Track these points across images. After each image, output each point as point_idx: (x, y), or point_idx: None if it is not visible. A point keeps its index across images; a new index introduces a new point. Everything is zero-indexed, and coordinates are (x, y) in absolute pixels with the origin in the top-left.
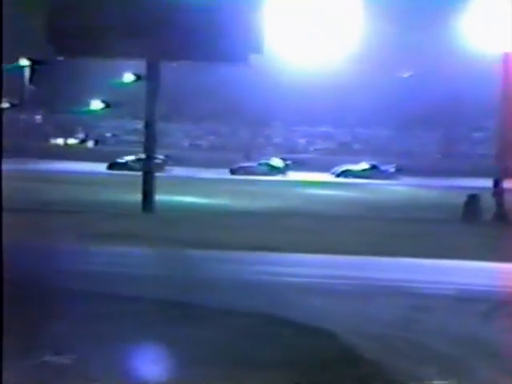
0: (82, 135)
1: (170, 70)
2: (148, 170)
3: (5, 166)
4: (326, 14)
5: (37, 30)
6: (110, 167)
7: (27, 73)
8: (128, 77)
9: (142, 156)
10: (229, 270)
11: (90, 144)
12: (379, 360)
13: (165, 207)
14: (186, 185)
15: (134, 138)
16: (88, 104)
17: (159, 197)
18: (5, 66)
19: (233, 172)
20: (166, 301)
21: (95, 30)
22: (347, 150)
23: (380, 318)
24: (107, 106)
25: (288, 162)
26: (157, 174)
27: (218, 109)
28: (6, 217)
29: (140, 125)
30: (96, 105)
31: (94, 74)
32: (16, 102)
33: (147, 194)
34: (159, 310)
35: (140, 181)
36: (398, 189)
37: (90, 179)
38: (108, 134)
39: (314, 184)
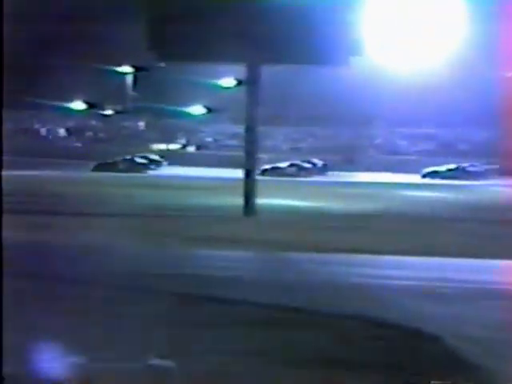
0: (183, 140)
1: (270, 74)
2: (249, 173)
3: (111, 173)
4: (425, 15)
5: (139, 37)
6: None
7: (130, 80)
8: (229, 81)
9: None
10: (329, 272)
11: (192, 149)
12: (484, 364)
13: (266, 210)
14: (285, 188)
15: (235, 142)
16: (189, 109)
17: (260, 200)
18: (108, 72)
19: (262, 173)
20: (268, 304)
21: (196, 36)
22: (448, 151)
23: (481, 321)
24: (209, 110)
25: (325, 163)
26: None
27: (318, 111)
28: (112, 221)
29: (241, 129)
30: (197, 110)
31: (194, 80)
32: (120, 109)
33: (248, 197)
34: (260, 312)
35: (238, 185)
36: (490, 189)
37: (192, 184)
38: (209, 139)
39: (403, 185)
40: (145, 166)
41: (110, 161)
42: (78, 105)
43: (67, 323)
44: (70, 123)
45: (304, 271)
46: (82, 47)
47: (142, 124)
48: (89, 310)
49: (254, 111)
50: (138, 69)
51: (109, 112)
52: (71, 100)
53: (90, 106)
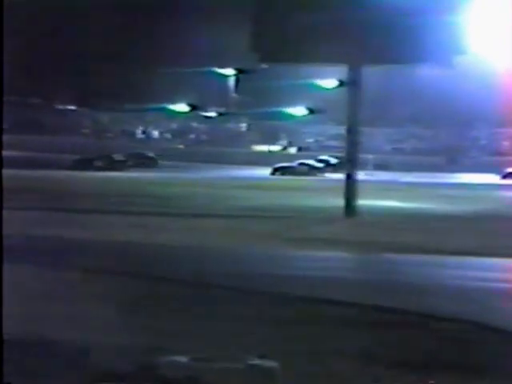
0: (284, 142)
1: (372, 74)
2: (350, 175)
3: (210, 174)
4: None
5: (241, 40)
6: (275, 172)
7: (233, 82)
8: (331, 82)
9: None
10: (432, 274)
11: (293, 150)
12: None
13: (367, 212)
14: (387, 189)
15: (336, 143)
16: (291, 111)
17: (361, 201)
18: (211, 74)
19: (273, 172)
20: (368, 305)
21: (298, 37)
22: None
23: None
24: (310, 112)
25: (339, 161)
26: (358, 179)
27: (419, 112)
28: (211, 222)
29: (342, 130)
30: (299, 111)
31: (296, 81)
32: (222, 111)
33: (350, 198)
34: (360, 314)
35: (333, 186)
36: None
37: (293, 185)
38: (310, 140)
39: (508, 187)
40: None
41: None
42: (182, 107)
43: (171, 322)
44: (174, 125)
45: (406, 272)
46: (184, 50)
47: (243, 125)
48: (191, 309)
49: (355, 112)
50: (240, 71)
51: (211, 114)
52: (175, 102)
53: (193, 108)
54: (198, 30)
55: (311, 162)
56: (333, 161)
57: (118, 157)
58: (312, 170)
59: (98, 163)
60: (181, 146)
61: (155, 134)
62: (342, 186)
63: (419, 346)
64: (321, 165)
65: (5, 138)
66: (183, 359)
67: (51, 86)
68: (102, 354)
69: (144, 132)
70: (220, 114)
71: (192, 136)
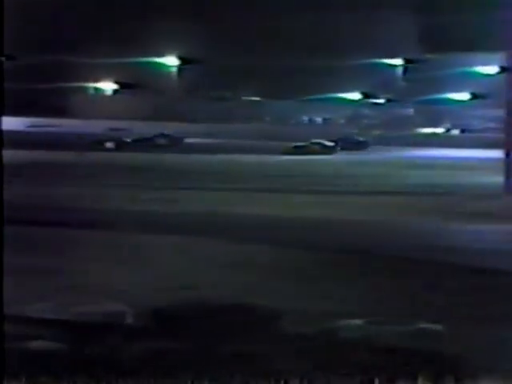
0: (448, 124)
1: None
2: (509, 153)
3: (379, 155)
4: None
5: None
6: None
7: (400, 71)
8: (492, 69)
9: None
10: None
11: (456, 132)
12: None
13: None
14: None
15: (496, 125)
16: (455, 96)
17: None
18: (381, 65)
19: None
20: None
21: (461, 28)
22: None
23: None
24: (473, 97)
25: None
26: None
27: None
28: (383, 199)
29: (502, 113)
30: (462, 96)
31: (459, 68)
32: (390, 97)
33: (508, 175)
34: None
35: (498, 164)
36: None
37: (455, 164)
38: (473, 123)
39: None
40: None
41: None
42: (355, 95)
43: (349, 289)
44: (347, 112)
45: None
46: (356, 43)
47: (410, 111)
48: (368, 278)
49: None
50: (408, 61)
51: (380, 101)
52: (349, 91)
53: (366, 96)
54: (369, 23)
55: (323, 141)
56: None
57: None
58: (323, 148)
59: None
60: (354, 131)
61: (331, 120)
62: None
63: None
64: (331, 144)
65: (198, 127)
66: (359, 322)
67: (241, 80)
68: (290, 318)
69: (325, 119)
70: (388, 101)
71: (364, 121)
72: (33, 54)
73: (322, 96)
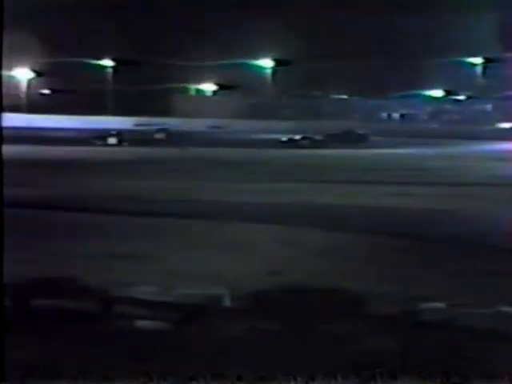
0: None
1: None
2: None
3: (459, 148)
4: None
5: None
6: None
7: (480, 70)
8: None
9: None
10: None
11: None
12: None
13: None
14: None
15: None
16: None
17: None
18: (462, 63)
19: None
20: None
21: None
22: None
23: None
24: None
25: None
26: None
27: None
28: (459, 190)
29: None
30: None
31: None
32: (471, 94)
33: None
34: None
35: None
36: None
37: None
38: None
39: None
40: None
41: None
42: (437, 93)
43: (426, 273)
44: (429, 108)
45: None
46: (440, 40)
47: (489, 106)
48: (447, 263)
49: None
50: (487, 60)
51: (461, 97)
52: (431, 88)
53: (448, 93)
54: (452, 25)
55: (312, 136)
56: (317, 137)
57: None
58: (313, 142)
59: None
60: (435, 126)
61: (414, 116)
62: None
63: None
64: (321, 138)
65: (289, 124)
66: (441, 305)
67: (330, 80)
68: (374, 300)
69: (402, 115)
70: (469, 98)
71: (446, 117)
72: (135, 56)
73: (407, 93)
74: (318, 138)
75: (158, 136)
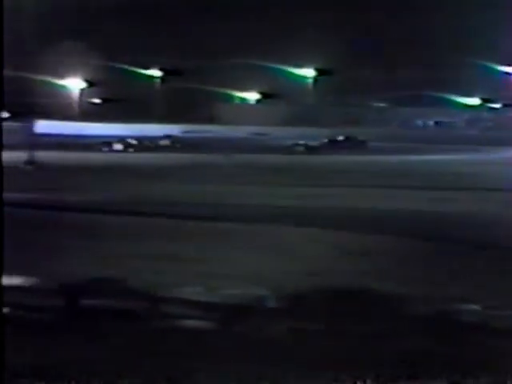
0: None
1: None
2: None
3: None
4: None
5: None
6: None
7: None
8: None
9: None
10: None
11: None
12: None
13: None
14: None
15: None
16: None
17: None
18: (496, 71)
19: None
20: None
21: None
22: None
23: None
24: None
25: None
26: None
27: None
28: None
29: None
30: None
31: None
32: (507, 102)
33: None
34: None
35: None
36: None
37: None
38: None
39: None
40: None
41: None
42: (474, 101)
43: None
44: (467, 116)
45: None
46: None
47: None
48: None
49: None
50: None
51: (497, 105)
52: (469, 96)
53: (484, 101)
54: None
55: (307, 142)
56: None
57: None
58: (307, 149)
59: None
60: (474, 132)
61: (448, 123)
62: None
63: None
64: (316, 144)
65: (332, 132)
66: (476, 307)
67: (371, 89)
68: (411, 301)
69: (436, 122)
70: (505, 105)
71: (481, 124)
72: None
73: (444, 102)
74: (313, 144)
75: (163, 143)
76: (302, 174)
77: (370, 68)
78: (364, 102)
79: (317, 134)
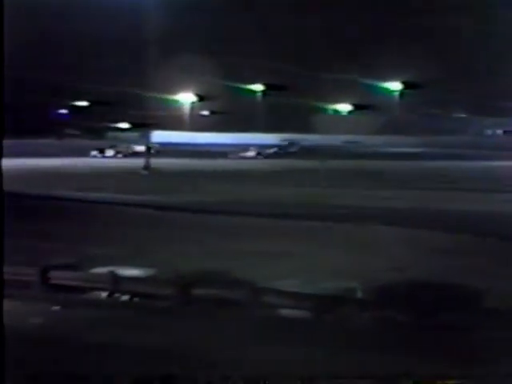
0: None
1: None
2: None
3: None
4: None
5: None
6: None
7: None
8: None
9: None
10: None
11: None
12: None
13: None
14: None
15: None
16: None
17: None
18: None
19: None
20: None
21: None
22: None
23: None
24: None
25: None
26: None
27: None
28: None
29: None
30: None
31: None
32: None
33: None
34: None
35: None
36: None
37: None
38: None
39: None
40: None
41: None
42: None
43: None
44: None
45: None
46: None
47: None
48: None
49: None
50: None
51: None
52: None
53: None
54: None
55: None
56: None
57: None
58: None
59: None
60: None
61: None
62: None
63: None
64: (294, 149)
65: (415, 140)
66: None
67: (452, 100)
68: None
69: (505, 132)
70: None
71: None
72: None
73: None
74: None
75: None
76: (388, 178)
77: (453, 82)
78: (445, 112)
79: (402, 142)
